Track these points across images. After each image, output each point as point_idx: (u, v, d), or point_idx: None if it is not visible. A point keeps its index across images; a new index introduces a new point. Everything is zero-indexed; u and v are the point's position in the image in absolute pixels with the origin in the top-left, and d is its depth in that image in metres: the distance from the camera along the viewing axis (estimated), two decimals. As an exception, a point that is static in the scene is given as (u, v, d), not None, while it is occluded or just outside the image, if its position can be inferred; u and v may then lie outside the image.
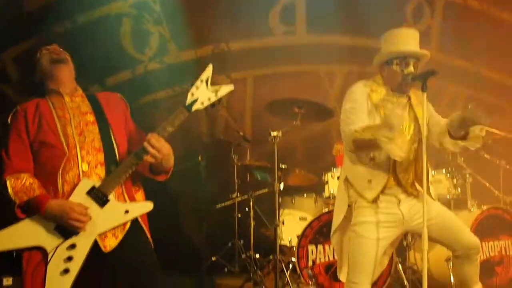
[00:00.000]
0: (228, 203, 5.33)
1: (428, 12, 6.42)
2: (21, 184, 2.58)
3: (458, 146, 3.02)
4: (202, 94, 2.70)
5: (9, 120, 2.75)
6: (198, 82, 2.69)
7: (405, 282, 4.43)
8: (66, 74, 2.82)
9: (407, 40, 3.07)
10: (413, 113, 3.10)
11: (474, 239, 3.11)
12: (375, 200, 3.00)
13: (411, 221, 3.04)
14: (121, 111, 2.97)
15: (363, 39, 5.89)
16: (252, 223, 5.19)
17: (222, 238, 5.41)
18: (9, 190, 2.57)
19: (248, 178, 5.46)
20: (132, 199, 2.70)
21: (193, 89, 2.69)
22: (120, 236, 2.59)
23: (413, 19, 6.35)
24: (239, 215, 5.43)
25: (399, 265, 4.49)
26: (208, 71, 2.74)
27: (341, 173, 3.22)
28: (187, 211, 5.72)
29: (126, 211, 2.59)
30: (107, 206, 2.58)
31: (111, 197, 2.59)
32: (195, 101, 2.68)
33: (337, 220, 3.14)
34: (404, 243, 4.67)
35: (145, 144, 2.56)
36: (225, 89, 2.73)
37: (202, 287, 5.10)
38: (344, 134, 2.99)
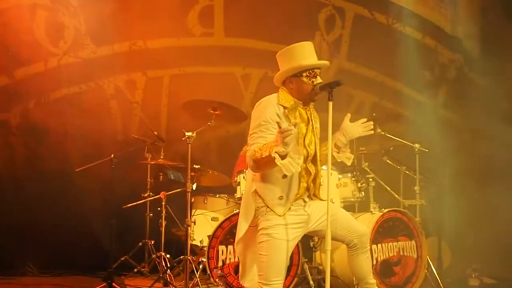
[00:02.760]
0: (139, 202, 5.28)
1: (339, 22, 6.71)
2: None
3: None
4: None
5: None
6: None
7: (311, 282, 4.60)
8: None
9: (310, 52, 3.28)
10: (313, 125, 3.29)
11: (364, 227, 3.49)
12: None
13: (311, 221, 3.24)
14: None
15: (278, 45, 6.06)
16: (164, 222, 5.17)
17: (132, 238, 5.37)
18: None
19: (161, 177, 5.44)
20: None
21: None
22: None
23: (325, 29, 6.61)
24: (151, 215, 5.41)
25: (305, 265, 4.65)
26: None
27: (248, 183, 3.29)
28: (97, 210, 5.60)
29: None
30: None
31: None
32: None
33: (242, 229, 3.22)
34: (311, 243, 4.86)
35: None
36: None
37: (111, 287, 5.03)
38: (247, 153, 3.10)
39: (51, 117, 5.80)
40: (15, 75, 5.77)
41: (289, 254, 3.17)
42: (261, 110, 3.16)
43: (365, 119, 3.38)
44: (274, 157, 2.88)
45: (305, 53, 3.25)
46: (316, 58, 3.29)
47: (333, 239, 3.16)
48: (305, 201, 3.24)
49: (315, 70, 3.23)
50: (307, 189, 3.24)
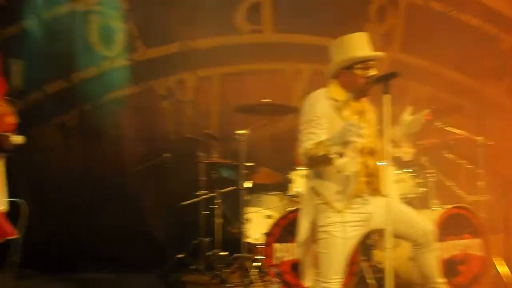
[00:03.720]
0: (194, 200, 5.30)
1: (391, 12, 6.54)
2: None
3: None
4: None
5: None
6: None
7: (370, 280, 4.48)
8: None
9: (364, 44, 3.18)
10: (367, 118, 3.19)
11: (429, 224, 3.31)
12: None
13: (375, 219, 3.13)
14: None
15: (328, 38, 5.97)
16: (218, 220, 5.18)
17: (188, 236, 5.39)
18: None
19: (215, 175, 5.43)
20: None
21: None
22: None
23: (377, 19, 6.47)
24: (206, 213, 5.42)
25: (364, 263, 4.54)
26: None
27: (306, 181, 3.25)
28: (153, 209, 5.69)
29: None
30: None
31: None
32: None
33: (304, 227, 3.17)
34: (369, 241, 4.73)
35: None
36: None
37: (167, 285, 5.09)
38: (300, 150, 3.04)
39: (105, 118, 5.93)
40: (72, 78, 5.92)
41: (349, 253, 3.08)
42: (311, 105, 3.09)
43: (427, 111, 3.25)
44: (331, 156, 2.81)
45: (358, 44, 3.15)
46: (371, 49, 3.18)
47: (397, 236, 3.08)
48: (366, 199, 3.12)
49: (369, 62, 3.12)
50: (367, 184, 3.12)
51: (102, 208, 5.59)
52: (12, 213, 3.57)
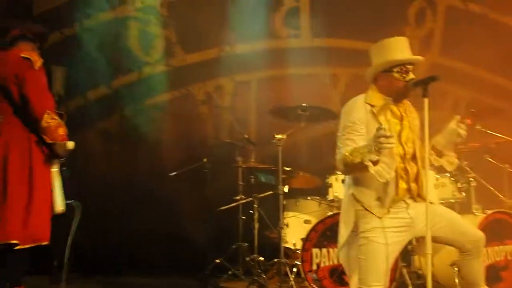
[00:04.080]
0: (232, 205, 5.33)
1: (430, 16, 6.48)
2: None
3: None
4: None
5: None
6: None
7: (410, 287, 4.42)
8: None
9: (403, 47, 3.15)
10: (409, 122, 3.15)
11: (479, 231, 3.23)
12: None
13: (418, 225, 3.07)
14: None
15: (366, 43, 5.94)
16: (256, 225, 5.18)
17: (226, 241, 5.41)
18: None
19: (253, 180, 5.46)
20: None
21: None
22: None
23: (416, 23, 6.42)
24: (243, 218, 5.45)
25: (404, 269, 4.48)
26: None
27: (345, 187, 3.24)
28: (192, 213, 5.74)
29: None
30: None
31: None
32: None
33: (344, 235, 3.15)
34: (409, 247, 4.67)
35: None
36: None
37: (206, 289, 5.13)
38: (337, 156, 3.03)
39: (146, 123, 6.03)
40: (113, 84, 6.05)
41: (391, 259, 3.03)
42: (348, 111, 3.09)
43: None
44: (366, 164, 2.81)
45: (397, 48, 3.13)
46: (410, 53, 3.16)
47: (443, 243, 3.05)
48: (407, 203, 3.08)
49: (408, 66, 3.09)
50: (408, 190, 3.09)
51: (141, 212, 5.67)
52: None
